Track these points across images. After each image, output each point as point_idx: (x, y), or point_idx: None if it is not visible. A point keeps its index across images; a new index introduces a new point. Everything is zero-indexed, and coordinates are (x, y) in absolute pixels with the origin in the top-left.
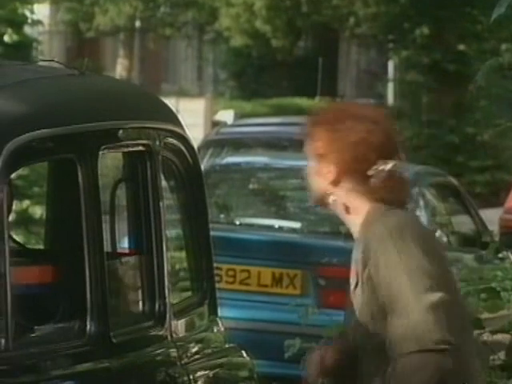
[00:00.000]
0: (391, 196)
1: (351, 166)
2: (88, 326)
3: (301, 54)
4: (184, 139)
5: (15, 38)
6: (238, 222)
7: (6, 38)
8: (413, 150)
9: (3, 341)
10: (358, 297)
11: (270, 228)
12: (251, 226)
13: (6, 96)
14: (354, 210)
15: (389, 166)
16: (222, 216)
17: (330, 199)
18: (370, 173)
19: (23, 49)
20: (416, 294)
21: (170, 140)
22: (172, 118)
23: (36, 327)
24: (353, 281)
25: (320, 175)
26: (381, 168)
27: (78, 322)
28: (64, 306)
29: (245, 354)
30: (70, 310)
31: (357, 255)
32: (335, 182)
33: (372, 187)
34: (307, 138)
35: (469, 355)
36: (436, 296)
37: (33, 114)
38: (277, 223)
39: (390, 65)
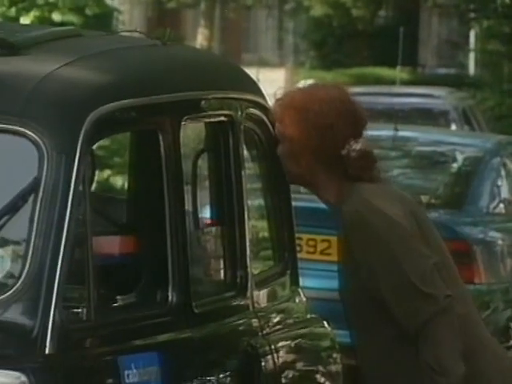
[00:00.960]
0: (363, 174)
1: (323, 148)
2: (170, 297)
3: (381, 24)
4: (266, 109)
5: (96, 10)
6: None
7: (87, 11)
8: (495, 119)
9: (85, 310)
10: (344, 270)
11: None
12: None
13: (89, 66)
14: (328, 189)
15: (359, 144)
16: None
17: (305, 179)
18: (343, 152)
19: (103, 19)
20: (398, 272)
21: (252, 110)
22: (254, 88)
23: (118, 297)
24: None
25: (292, 157)
26: (352, 147)
27: (159, 293)
28: (146, 276)
29: (326, 325)
30: (151, 280)
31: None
32: (308, 164)
33: (345, 167)
34: (277, 120)
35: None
36: (416, 267)
37: (116, 84)
38: None
39: (472, 34)
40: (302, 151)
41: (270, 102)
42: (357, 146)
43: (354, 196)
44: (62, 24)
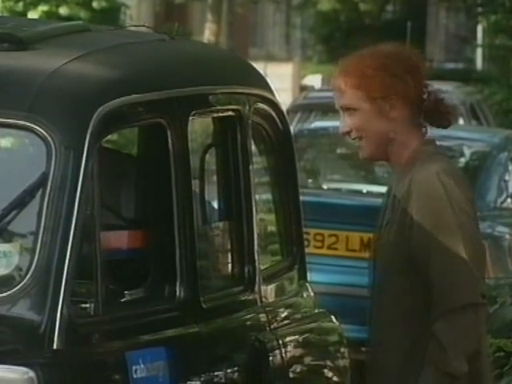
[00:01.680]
0: (443, 112)
1: (410, 94)
2: (178, 291)
3: (389, 18)
4: (273, 104)
5: (104, 4)
6: (325, 187)
7: (95, 5)
8: (502, 114)
9: (93, 305)
10: (384, 235)
11: (358, 192)
12: (339, 190)
13: (97, 61)
14: (408, 143)
15: (434, 86)
16: (309, 181)
17: (390, 136)
18: (424, 96)
19: (111, 13)
20: (458, 249)
21: (260, 105)
22: (261, 82)
23: (126, 292)
24: (387, 215)
25: (381, 115)
26: (430, 89)
27: (167, 287)
28: (154, 271)
29: (334, 319)
30: (159, 275)
31: (397, 191)
32: (399, 114)
33: (426, 112)
34: (353, 86)
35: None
36: (473, 253)
37: (124, 79)
38: (365, 188)
39: (479, 29)
40: (392, 104)
41: (278, 97)
42: (432, 88)
43: (433, 164)
44: (69, 18)
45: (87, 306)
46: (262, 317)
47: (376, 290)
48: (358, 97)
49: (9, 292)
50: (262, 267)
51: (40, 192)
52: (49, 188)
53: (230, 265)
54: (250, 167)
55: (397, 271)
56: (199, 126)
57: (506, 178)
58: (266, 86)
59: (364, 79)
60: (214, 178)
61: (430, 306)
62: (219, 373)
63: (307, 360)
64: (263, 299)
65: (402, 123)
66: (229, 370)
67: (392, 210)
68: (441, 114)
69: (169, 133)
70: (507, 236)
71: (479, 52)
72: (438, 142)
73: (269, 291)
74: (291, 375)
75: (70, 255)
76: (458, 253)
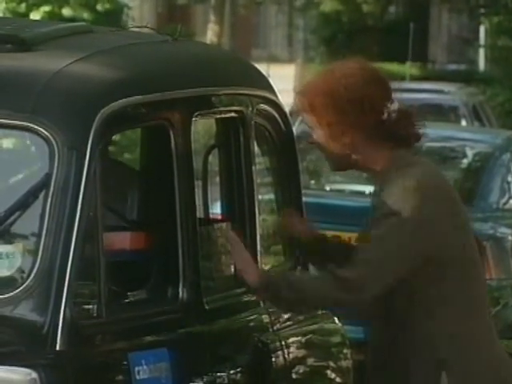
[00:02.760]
0: (406, 132)
1: (364, 119)
2: (180, 293)
3: (391, 19)
4: (276, 105)
5: (107, 6)
6: (328, 188)
7: (99, 7)
8: (505, 115)
9: (96, 307)
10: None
11: (361, 194)
12: (341, 191)
13: (100, 62)
14: (375, 160)
15: (396, 104)
16: (312, 182)
17: (351, 159)
18: (383, 117)
19: (114, 14)
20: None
21: (263, 106)
22: (264, 83)
23: (129, 293)
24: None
25: (335, 140)
26: (392, 109)
27: (170, 289)
28: (157, 272)
29: (336, 320)
30: (162, 277)
31: (375, 203)
32: (353, 141)
33: (388, 130)
34: (306, 110)
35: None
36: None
37: (127, 80)
38: (367, 189)
39: (482, 30)
40: (344, 130)
41: (281, 98)
42: (394, 106)
43: (410, 169)
44: (72, 20)
45: (90, 307)
46: (265, 318)
47: None
48: (312, 120)
49: (12, 293)
50: (265, 268)
51: (43, 193)
52: (52, 189)
53: (232, 266)
54: (253, 168)
55: None
56: (202, 127)
57: (509, 179)
58: (268, 87)
59: (315, 105)
60: (217, 178)
61: (410, 306)
62: (222, 374)
63: (310, 361)
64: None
65: (360, 146)
66: (231, 372)
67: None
68: (404, 132)
69: (172, 134)
70: (510, 237)
71: (482, 53)
72: (440, 144)
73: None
74: (294, 376)
75: (73, 256)
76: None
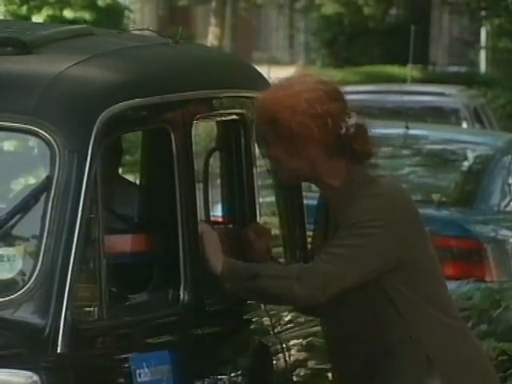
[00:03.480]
0: (363, 148)
1: (325, 135)
2: (182, 295)
3: (392, 22)
4: None
5: (108, 1)
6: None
7: (100, 2)
8: (506, 117)
9: (97, 309)
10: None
11: None
12: None
13: (101, 65)
14: (331, 174)
15: (353, 119)
16: (313, 184)
17: (306, 173)
18: (342, 132)
19: (115, 16)
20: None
21: None
22: (265, 86)
23: (130, 296)
24: (318, 245)
25: (293, 154)
26: (350, 123)
27: (171, 291)
28: (158, 274)
29: None
30: (163, 279)
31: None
32: (310, 155)
33: (345, 145)
34: (265, 122)
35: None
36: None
37: (128, 82)
38: None
39: (483, 32)
40: (304, 144)
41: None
42: (352, 120)
43: (374, 183)
44: (73, 21)
45: (91, 309)
46: (266, 320)
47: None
48: (270, 134)
49: (13, 296)
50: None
51: (44, 196)
52: (53, 191)
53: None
54: (254, 170)
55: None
56: (203, 130)
57: (510, 181)
58: None
59: (277, 119)
60: (218, 181)
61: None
62: (223, 377)
63: (311, 363)
64: None
65: (317, 160)
66: (232, 374)
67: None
68: (360, 146)
69: (173, 136)
70: (511, 240)
71: (483, 55)
72: (441, 146)
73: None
74: (295, 379)
75: (74, 259)
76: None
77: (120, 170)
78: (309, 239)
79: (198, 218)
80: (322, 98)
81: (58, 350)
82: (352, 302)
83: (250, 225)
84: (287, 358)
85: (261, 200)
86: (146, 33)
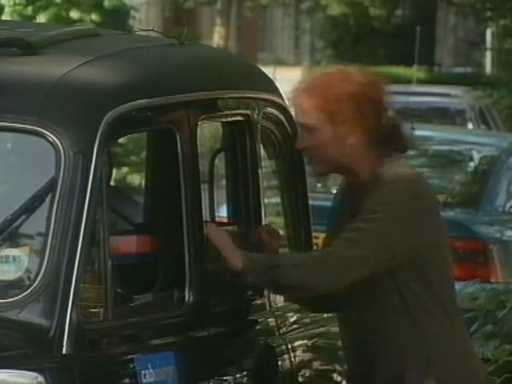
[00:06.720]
0: (398, 142)
1: (370, 122)
2: (187, 296)
3: (398, 23)
4: (283, 108)
5: (115, 2)
6: (334, 191)
7: (106, 3)
8: (511, 118)
9: (102, 310)
10: None
11: None
12: None
13: (106, 66)
14: (365, 165)
15: (391, 112)
16: (318, 185)
17: (341, 163)
18: (383, 122)
19: (120, 17)
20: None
21: (269, 109)
22: (271, 87)
23: (135, 297)
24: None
25: (338, 140)
26: (389, 115)
27: (176, 292)
28: (163, 275)
29: None
30: (168, 280)
31: (346, 207)
32: (355, 144)
33: (383, 136)
34: (314, 107)
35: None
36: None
37: (133, 83)
38: None
39: (488, 33)
40: (352, 130)
41: (287, 101)
42: (391, 114)
43: (398, 170)
44: (79, 21)
45: (96, 310)
46: (271, 321)
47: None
48: (320, 119)
49: (18, 297)
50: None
51: (49, 197)
52: (58, 193)
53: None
54: (259, 171)
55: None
56: (208, 131)
57: None
58: (274, 90)
59: (329, 103)
60: (223, 182)
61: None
62: (228, 377)
63: (316, 364)
64: (272, 303)
65: (358, 149)
66: (238, 375)
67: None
68: (396, 139)
69: (178, 137)
70: None
71: (488, 56)
72: (447, 147)
73: (277, 295)
74: (300, 380)
75: (79, 260)
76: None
77: (120, 171)
78: (314, 240)
79: (204, 218)
80: (373, 84)
81: (63, 351)
82: (364, 299)
83: (261, 226)
84: (292, 359)
85: (266, 201)
86: (152, 34)
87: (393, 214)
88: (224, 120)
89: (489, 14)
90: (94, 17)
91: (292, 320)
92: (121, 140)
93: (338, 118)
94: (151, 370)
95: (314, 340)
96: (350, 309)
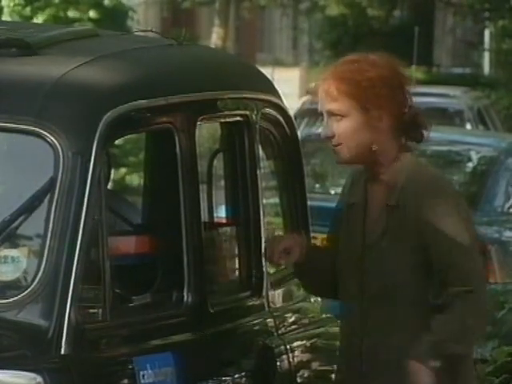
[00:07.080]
0: (417, 131)
1: (397, 107)
2: (185, 297)
3: (396, 23)
4: (281, 109)
5: (114, 1)
6: (333, 192)
7: (106, 2)
8: (510, 119)
9: (101, 311)
10: (382, 246)
11: None
12: None
13: (105, 66)
14: (388, 153)
15: (412, 100)
16: (317, 185)
17: (370, 150)
18: (406, 110)
19: (119, 17)
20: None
21: (268, 110)
22: (269, 87)
23: (133, 297)
24: (376, 228)
25: (368, 125)
26: (410, 104)
27: (175, 293)
28: (161, 276)
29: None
30: (167, 280)
31: (387, 199)
32: (384, 129)
33: (404, 124)
34: (345, 94)
35: None
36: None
37: (132, 84)
38: None
39: (486, 34)
40: (381, 116)
41: (286, 102)
42: (412, 101)
43: (424, 169)
44: (77, 21)
45: (95, 311)
46: (270, 322)
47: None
48: (350, 105)
49: (16, 297)
50: (270, 272)
51: (48, 197)
52: (56, 193)
53: (237, 270)
54: (258, 172)
55: (410, 272)
56: (207, 131)
57: None
58: (273, 90)
59: (359, 89)
60: (222, 182)
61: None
62: (227, 378)
63: (315, 365)
64: (271, 304)
65: (386, 135)
66: (236, 376)
67: (387, 218)
68: (416, 128)
69: (177, 138)
70: None
71: (486, 57)
72: (446, 147)
73: (276, 296)
74: (299, 380)
75: (78, 260)
76: (465, 239)
77: (120, 172)
78: (312, 240)
79: (202, 219)
80: (400, 68)
81: (62, 352)
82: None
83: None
84: (291, 360)
85: (265, 201)
86: (150, 34)
87: (462, 212)
88: (222, 120)
89: (487, 14)
90: (92, 14)
91: (291, 321)
92: (119, 140)
93: (367, 103)
94: (150, 371)
95: (312, 340)
96: (362, 318)
